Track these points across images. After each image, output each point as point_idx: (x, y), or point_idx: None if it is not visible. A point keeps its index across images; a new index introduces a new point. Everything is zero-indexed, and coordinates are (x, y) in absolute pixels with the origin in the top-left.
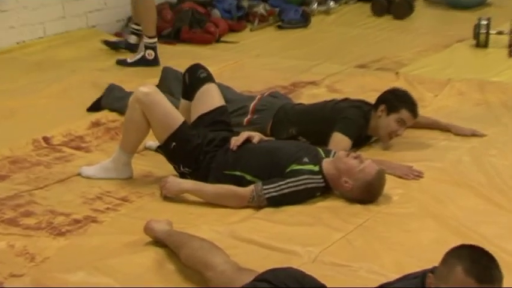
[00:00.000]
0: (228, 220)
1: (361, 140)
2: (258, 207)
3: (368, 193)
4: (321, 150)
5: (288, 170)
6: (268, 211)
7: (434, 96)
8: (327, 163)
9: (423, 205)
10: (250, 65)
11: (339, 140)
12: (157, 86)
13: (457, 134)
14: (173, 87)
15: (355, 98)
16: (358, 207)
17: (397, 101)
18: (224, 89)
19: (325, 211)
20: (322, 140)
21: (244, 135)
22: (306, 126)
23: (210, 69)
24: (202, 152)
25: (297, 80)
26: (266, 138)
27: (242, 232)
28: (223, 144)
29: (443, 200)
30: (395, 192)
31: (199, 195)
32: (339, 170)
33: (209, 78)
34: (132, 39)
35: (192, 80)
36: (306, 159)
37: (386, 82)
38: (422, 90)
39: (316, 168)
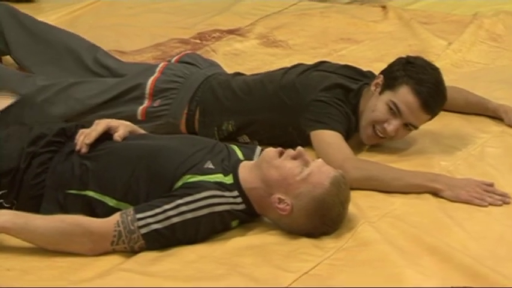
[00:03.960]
0: (75, 277)
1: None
2: (129, 252)
3: (320, 219)
4: (236, 148)
5: (179, 184)
6: (145, 258)
7: (447, 44)
8: (245, 169)
9: (414, 234)
10: (125, 3)
11: (328, 139)
12: None
13: (511, 125)
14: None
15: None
16: (303, 244)
17: (401, 71)
18: (87, 54)
19: (247, 253)
20: (285, 142)
21: (100, 125)
22: (252, 119)
23: (49, 17)
24: (23, 158)
25: (206, 28)
26: (139, 130)
27: None
28: (61, 143)
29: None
30: (372, 214)
31: (25, 236)
32: (267, 180)
33: None
34: None
35: None
36: (209, 165)
37: (366, 24)
38: (427, 35)
39: (229, 179)
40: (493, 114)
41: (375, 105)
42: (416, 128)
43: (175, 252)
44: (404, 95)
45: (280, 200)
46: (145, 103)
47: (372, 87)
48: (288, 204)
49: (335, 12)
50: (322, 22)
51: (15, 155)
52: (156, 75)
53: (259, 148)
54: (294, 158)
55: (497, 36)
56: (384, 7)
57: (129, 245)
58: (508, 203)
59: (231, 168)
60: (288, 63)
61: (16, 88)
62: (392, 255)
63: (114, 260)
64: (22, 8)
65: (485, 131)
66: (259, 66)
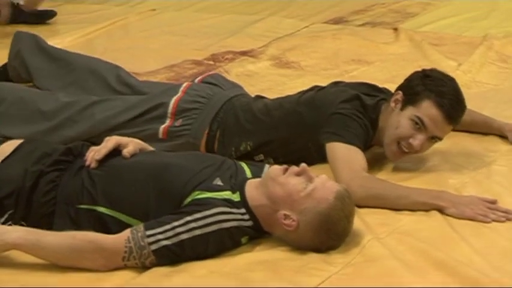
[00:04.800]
0: None
1: None
2: (141, 267)
3: (325, 233)
4: (245, 166)
5: (188, 200)
6: (157, 273)
7: (457, 65)
8: (251, 187)
9: (421, 250)
10: (139, 25)
11: (342, 153)
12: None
13: None
14: (28, 60)
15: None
16: (313, 259)
17: (420, 85)
18: (110, 73)
19: (257, 268)
20: (301, 160)
21: (110, 142)
22: (270, 138)
23: (65, 40)
24: (28, 177)
25: (220, 50)
26: (148, 147)
27: None
28: (69, 162)
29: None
30: (380, 230)
31: (36, 252)
32: (272, 197)
33: None
34: None
35: None
36: (218, 182)
37: (377, 46)
38: (438, 56)
39: (236, 197)
40: (498, 133)
41: (398, 121)
42: (440, 139)
43: (187, 268)
44: (427, 109)
45: (286, 216)
46: (167, 122)
47: (392, 104)
48: (293, 220)
49: (347, 34)
50: (333, 44)
51: (16, 177)
52: (179, 94)
53: (267, 166)
54: (298, 174)
55: (507, 57)
56: (395, 29)
57: (140, 261)
58: (511, 220)
59: (238, 186)
60: (300, 83)
61: (39, 105)
62: (399, 271)
63: (126, 275)
64: (37, 30)
65: (493, 149)
66: (271, 87)
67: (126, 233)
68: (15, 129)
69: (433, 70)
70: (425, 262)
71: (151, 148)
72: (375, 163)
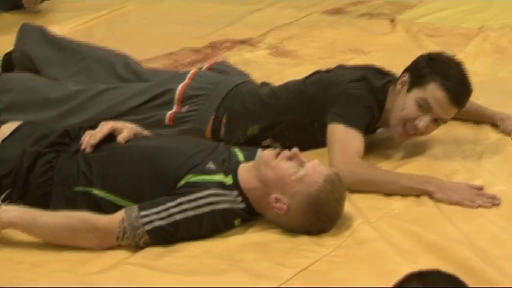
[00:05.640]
0: (82, 270)
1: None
2: (135, 247)
3: (316, 216)
4: (237, 151)
5: (182, 183)
6: (151, 253)
7: (453, 56)
8: (244, 170)
9: (411, 233)
10: (139, 14)
11: (340, 135)
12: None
13: (505, 133)
14: (34, 51)
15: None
16: (304, 241)
17: (426, 68)
18: (118, 61)
19: (249, 250)
20: (309, 142)
21: (105, 127)
22: (277, 121)
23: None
24: (25, 158)
25: (218, 38)
26: (143, 132)
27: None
28: (65, 144)
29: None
30: (371, 214)
31: (32, 231)
32: (264, 180)
33: None
34: None
35: None
36: (210, 166)
37: (374, 36)
38: (434, 47)
39: (229, 180)
40: (490, 121)
41: (404, 103)
42: (446, 122)
43: (180, 248)
44: (433, 91)
45: (277, 200)
46: (174, 108)
47: (398, 86)
48: (284, 203)
49: (344, 25)
50: (331, 34)
51: (15, 157)
52: (186, 81)
53: (260, 150)
54: (290, 158)
55: (502, 49)
56: (392, 20)
57: (134, 241)
58: (497, 205)
59: (231, 169)
60: (296, 72)
61: (48, 94)
62: (389, 253)
63: (120, 254)
64: (36, 18)
65: (484, 138)
66: (268, 75)
67: (121, 213)
68: (24, 117)
69: (440, 53)
70: (416, 245)
71: (146, 133)
72: (370, 149)
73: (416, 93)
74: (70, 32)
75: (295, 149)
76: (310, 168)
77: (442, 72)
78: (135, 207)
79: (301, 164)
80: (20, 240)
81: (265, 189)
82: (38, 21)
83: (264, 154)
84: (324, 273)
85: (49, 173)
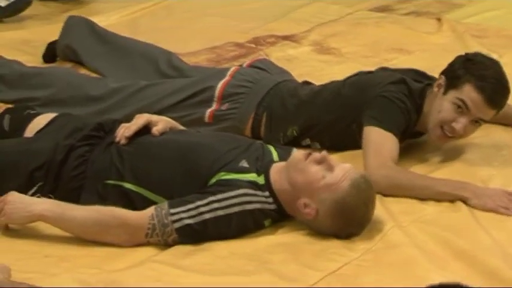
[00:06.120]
0: (109, 266)
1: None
2: (163, 245)
3: (343, 221)
4: (272, 149)
5: (213, 181)
6: (179, 251)
7: (498, 58)
8: (275, 171)
9: (443, 239)
10: (183, 6)
11: (375, 138)
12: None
13: None
14: (79, 45)
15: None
16: (334, 244)
17: (462, 69)
18: (163, 57)
19: (277, 251)
20: (348, 143)
21: (140, 119)
22: (315, 122)
23: (110, 18)
24: (59, 151)
25: (262, 33)
26: (179, 126)
27: (125, 285)
28: (99, 137)
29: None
30: (403, 219)
31: (61, 225)
32: (293, 183)
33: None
34: None
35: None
36: (243, 164)
37: (419, 35)
38: (479, 48)
39: (261, 180)
40: None
41: (441, 105)
42: (485, 122)
43: (208, 247)
44: (468, 93)
45: (306, 205)
46: (214, 106)
47: (435, 89)
48: (312, 209)
49: (390, 23)
50: (376, 31)
51: (47, 149)
52: (226, 78)
53: (294, 149)
54: (319, 162)
55: None
56: (439, 19)
57: (162, 238)
58: None
59: (264, 168)
60: (338, 70)
61: (88, 91)
62: (419, 259)
63: (148, 251)
64: (81, 8)
65: None
66: (309, 72)
67: (150, 210)
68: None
69: (476, 54)
70: (446, 251)
71: (181, 127)
72: (407, 152)
73: (452, 95)
74: (115, 23)
75: (324, 153)
76: (339, 173)
77: (477, 73)
78: (165, 204)
79: (330, 168)
80: (49, 234)
81: (295, 192)
82: (83, 11)
83: (294, 155)
84: (351, 277)
85: (82, 167)
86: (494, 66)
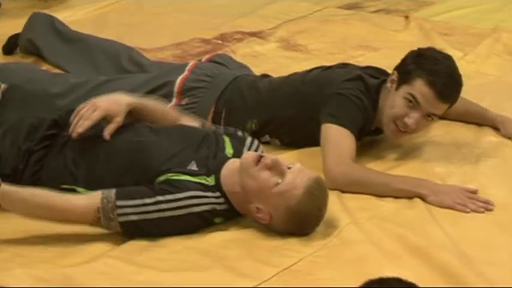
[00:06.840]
0: (64, 262)
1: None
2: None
3: (297, 225)
4: (227, 140)
5: (161, 179)
6: (134, 246)
7: (463, 55)
8: (228, 171)
9: (398, 236)
10: (153, 2)
11: (333, 136)
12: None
13: (506, 137)
14: (41, 41)
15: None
16: (289, 240)
17: (413, 64)
18: (124, 53)
19: (232, 246)
20: (306, 139)
21: (96, 113)
22: (273, 116)
23: (78, 13)
24: (21, 158)
25: (228, 30)
26: (143, 103)
27: (79, 281)
28: (55, 135)
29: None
30: (360, 215)
31: (8, 203)
32: (245, 188)
33: None
34: None
35: None
36: (192, 167)
37: (386, 33)
38: (444, 45)
39: (211, 180)
40: (491, 124)
41: (393, 100)
42: (438, 116)
43: (164, 243)
44: (419, 88)
45: (258, 209)
46: (174, 101)
47: (388, 84)
48: (266, 214)
49: (357, 20)
50: (343, 29)
51: (12, 157)
52: (185, 73)
53: (249, 139)
54: (270, 168)
55: None
56: (406, 17)
57: (106, 226)
58: (490, 210)
59: (214, 168)
60: (304, 67)
61: (48, 87)
62: (374, 255)
63: (105, 246)
64: (50, 3)
65: (484, 141)
66: (275, 69)
67: (97, 202)
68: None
69: (428, 49)
70: (401, 248)
71: (147, 102)
72: (365, 149)
73: (404, 90)
74: (83, 18)
75: (275, 158)
76: (291, 179)
77: (428, 68)
78: (112, 194)
79: (282, 173)
80: (3, 229)
81: (246, 197)
82: (51, 6)
83: (244, 160)
84: (305, 273)
85: (39, 173)
86: (445, 61)
